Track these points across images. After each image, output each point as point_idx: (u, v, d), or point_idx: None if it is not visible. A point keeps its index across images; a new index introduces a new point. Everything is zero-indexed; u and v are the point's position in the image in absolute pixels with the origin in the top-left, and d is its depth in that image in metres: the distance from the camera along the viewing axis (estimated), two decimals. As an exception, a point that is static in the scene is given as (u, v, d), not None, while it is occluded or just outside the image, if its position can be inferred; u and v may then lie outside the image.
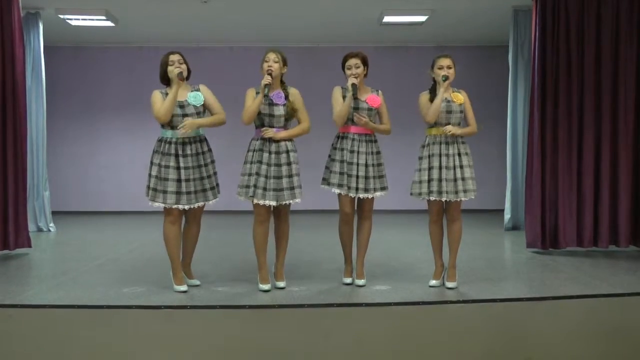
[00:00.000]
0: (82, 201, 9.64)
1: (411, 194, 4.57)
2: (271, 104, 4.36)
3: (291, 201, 4.39)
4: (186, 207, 4.32)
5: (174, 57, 4.33)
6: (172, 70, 4.29)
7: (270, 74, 4.31)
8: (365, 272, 4.69)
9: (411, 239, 6.96)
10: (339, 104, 4.48)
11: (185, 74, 4.31)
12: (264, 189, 4.31)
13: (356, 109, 4.51)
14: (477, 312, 4.09)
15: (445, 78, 4.42)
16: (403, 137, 9.06)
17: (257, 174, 4.32)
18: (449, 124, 4.47)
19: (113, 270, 5.22)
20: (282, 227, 4.54)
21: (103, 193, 9.64)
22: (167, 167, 4.29)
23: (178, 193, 4.29)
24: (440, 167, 4.45)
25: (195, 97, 4.36)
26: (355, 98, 4.43)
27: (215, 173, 4.51)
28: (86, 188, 9.64)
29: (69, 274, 5.06)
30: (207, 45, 9.43)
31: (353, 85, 4.41)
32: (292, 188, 4.39)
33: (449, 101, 4.48)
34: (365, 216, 4.64)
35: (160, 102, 4.28)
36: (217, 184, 4.53)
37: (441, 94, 4.42)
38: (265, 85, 4.27)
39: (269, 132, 4.34)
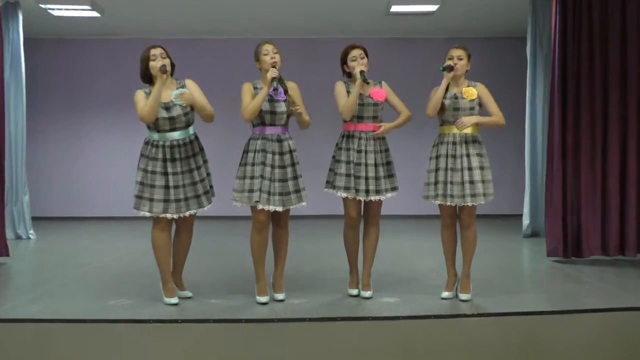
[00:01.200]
0: (65, 206, 9.64)
1: (423, 197, 4.57)
2: (272, 100, 4.34)
3: (298, 205, 4.40)
4: (174, 216, 4.30)
5: (155, 51, 4.29)
6: (154, 65, 4.26)
7: (275, 67, 4.30)
8: (372, 282, 4.67)
9: (422, 246, 6.94)
10: (344, 98, 4.47)
11: (168, 67, 4.28)
12: (269, 193, 4.30)
13: (361, 105, 4.49)
14: (493, 327, 4.08)
15: (447, 67, 4.40)
16: (411, 136, 9.05)
17: (262, 177, 4.30)
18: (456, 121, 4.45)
19: (98, 281, 5.20)
20: (282, 234, 4.53)
21: (88, 197, 9.64)
22: (153, 172, 4.27)
23: (166, 201, 4.27)
24: (446, 169, 4.44)
25: (182, 94, 4.32)
26: (366, 82, 4.41)
27: (209, 174, 4.49)
28: (69, 192, 9.64)
29: (50, 285, 5.04)
30: (200, 37, 9.43)
31: (362, 72, 4.42)
32: (297, 191, 4.39)
33: (457, 97, 4.46)
34: (372, 221, 4.62)
35: (143, 101, 4.25)
36: (212, 186, 4.51)
37: (443, 85, 4.42)
38: (273, 78, 4.25)
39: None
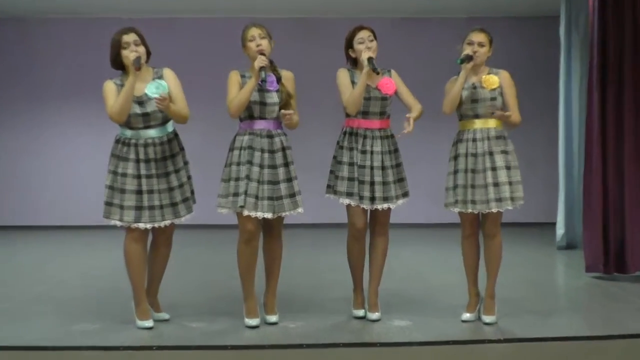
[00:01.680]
0: (21, 213, 9.64)
1: (444, 205, 4.57)
2: (262, 89, 4.34)
3: (292, 212, 4.38)
4: (148, 225, 4.29)
5: (128, 38, 4.25)
6: (127, 56, 4.23)
7: (263, 54, 4.29)
8: (380, 302, 4.66)
9: (438, 260, 6.94)
10: (349, 89, 4.45)
11: (144, 59, 4.26)
12: (256, 197, 4.28)
13: (367, 98, 4.47)
14: (523, 354, 4.06)
15: (465, 58, 4.39)
16: (425, 133, 9.02)
17: (249, 178, 4.29)
18: (476, 116, 4.45)
19: (60, 301, 5.18)
20: (274, 245, 4.51)
21: (49, 203, 9.63)
22: (124, 175, 4.26)
23: (138, 208, 4.26)
24: (466, 171, 4.44)
25: (158, 87, 4.27)
26: (375, 72, 4.39)
27: (189, 178, 4.48)
28: (27, 196, 9.64)
29: (2, 307, 5.02)
30: (180, 16, 9.44)
31: (370, 58, 4.40)
32: (292, 195, 4.37)
33: (475, 87, 4.45)
34: (380, 231, 4.61)
35: (113, 96, 4.23)
36: (192, 192, 4.50)
37: (462, 77, 4.42)
38: (261, 68, 4.24)
39: (291, 115, 4.27)
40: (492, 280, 4.52)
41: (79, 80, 9.50)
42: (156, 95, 4.20)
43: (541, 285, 5.75)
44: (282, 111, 4.32)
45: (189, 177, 4.48)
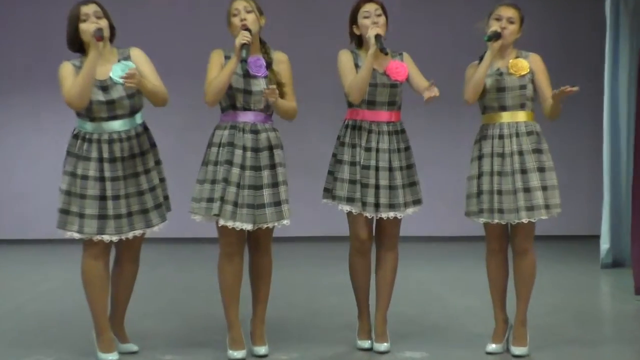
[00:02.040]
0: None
1: (465, 213, 4.57)
2: (247, 75, 4.34)
3: (276, 223, 4.37)
4: (114, 238, 4.28)
5: (87, 9, 4.25)
6: (86, 28, 4.23)
7: (248, 29, 4.30)
8: (389, 331, 4.65)
9: (458, 280, 6.94)
10: (352, 73, 4.46)
11: (106, 32, 4.26)
12: (235, 204, 4.28)
13: (373, 85, 4.48)
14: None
15: (493, 35, 4.37)
16: (443, 129, 9.06)
17: (226, 181, 4.29)
18: (503, 107, 4.44)
19: (8, 330, 5.18)
20: (262, 263, 4.51)
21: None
22: (84, 177, 4.25)
23: (102, 217, 4.24)
24: (491, 174, 4.44)
25: (124, 69, 4.26)
26: (383, 52, 4.37)
27: (162, 180, 4.48)
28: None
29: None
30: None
31: (377, 36, 4.38)
32: (277, 203, 4.36)
33: (501, 73, 4.46)
34: (388, 245, 4.61)
35: (71, 78, 4.23)
36: (166, 197, 4.49)
37: (487, 59, 4.41)
38: (243, 44, 4.24)
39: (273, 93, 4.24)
40: (524, 304, 4.51)
41: (28, 69, 9.51)
42: (121, 81, 4.20)
43: (582, 311, 5.74)
44: (266, 90, 4.27)
45: (161, 180, 4.47)
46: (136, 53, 4.41)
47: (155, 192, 4.41)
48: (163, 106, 4.41)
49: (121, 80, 4.22)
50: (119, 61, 4.34)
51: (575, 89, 4.30)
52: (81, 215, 4.24)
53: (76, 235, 4.27)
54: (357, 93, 4.44)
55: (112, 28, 4.35)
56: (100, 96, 4.26)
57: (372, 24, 4.45)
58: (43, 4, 9.42)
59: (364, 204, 4.46)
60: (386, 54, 4.44)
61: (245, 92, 4.36)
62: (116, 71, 4.28)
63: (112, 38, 4.37)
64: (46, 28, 9.40)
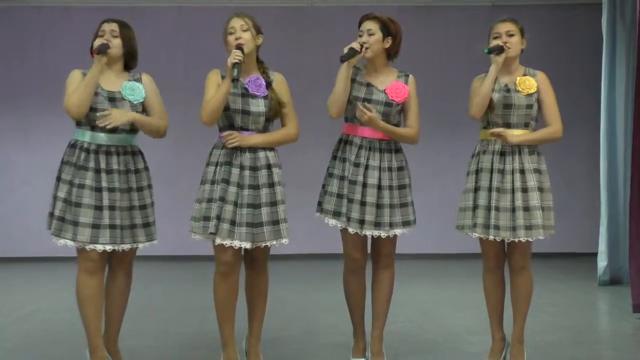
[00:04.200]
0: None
1: (456, 226, 4.57)
2: (246, 94, 4.36)
3: (274, 242, 4.38)
4: (107, 247, 4.28)
5: (106, 26, 4.37)
6: (96, 43, 4.31)
7: (240, 48, 4.32)
8: (385, 349, 4.65)
9: (455, 298, 6.93)
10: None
11: (115, 52, 4.33)
12: (232, 222, 4.30)
13: (368, 100, 4.50)
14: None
15: (495, 49, 4.40)
16: (438, 142, 9.06)
17: (223, 200, 4.31)
18: (508, 124, 4.46)
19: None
20: (258, 281, 4.52)
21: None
22: (81, 186, 4.27)
23: (96, 226, 4.26)
24: (490, 189, 4.45)
25: (134, 89, 4.35)
26: (341, 60, 4.38)
27: (152, 204, 4.49)
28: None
29: None
30: (145, 4, 9.44)
31: (350, 49, 4.40)
32: (275, 222, 4.37)
33: (509, 90, 4.48)
34: (384, 263, 4.62)
35: (75, 85, 4.30)
36: (153, 222, 4.49)
37: (492, 73, 4.43)
38: (235, 64, 4.27)
39: (234, 137, 4.32)
40: (521, 322, 4.52)
41: (16, 82, 9.48)
42: (131, 99, 4.30)
43: (580, 329, 5.73)
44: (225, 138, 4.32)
45: (152, 204, 4.47)
46: (147, 79, 4.48)
47: (146, 211, 4.42)
48: (159, 138, 4.48)
49: (130, 98, 4.30)
50: (128, 81, 4.41)
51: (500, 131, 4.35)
52: (75, 224, 4.24)
53: (70, 243, 4.25)
54: (333, 105, 4.49)
55: (130, 54, 4.42)
56: (106, 105, 4.31)
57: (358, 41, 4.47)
58: (25, 18, 9.38)
59: (348, 219, 4.47)
60: (342, 61, 4.42)
61: (243, 112, 4.37)
62: (125, 89, 4.36)
63: (130, 63, 4.45)
64: (32, 37, 9.38)
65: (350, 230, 4.47)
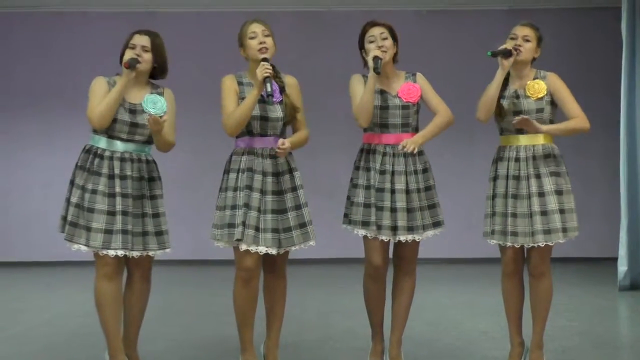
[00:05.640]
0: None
1: (482, 233, 4.59)
2: (263, 100, 4.37)
3: (303, 245, 4.42)
4: (119, 252, 4.30)
5: (138, 39, 4.38)
6: (126, 56, 4.34)
7: (267, 60, 4.31)
8: (403, 353, 4.66)
9: (474, 302, 6.93)
10: (359, 96, 4.49)
11: (144, 67, 4.36)
12: (257, 228, 4.31)
13: (384, 108, 4.51)
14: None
15: (500, 52, 4.38)
16: (457, 146, 9.06)
17: (247, 206, 4.33)
18: (520, 131, 4.46)
19: (16, 354, 5.18)
20: (277, 285, 4.53)
21: (3, 235, 9.66)
22: (94, 191, 4.30)
23: (108, 232, 4.28)
24: (506, 196, 4.46)
25: (155, 102, 4.38)
26: (376, 72, 4.38)
27: (164, 213, 4.51)
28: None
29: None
30: (163, 10, 9.48)
31: (375, 58, 4.39)
32: (302, 225, 4.40)
33: (518, 96, 4.48)
34: (406, 269, 4.63)
35: (100, 95, 4.33)
36: (166, 231, 4.50)
37: (498, 76, 4.44)
38: (266, 78, 4.23)
39: (287, 146, 4.30)
40: (540, 327, 4.52)
41: (37, 87, 9.57)
42: (152, 112, 4.31)
43: (599, 334, 5.72)
44: (276, 149, 4.32)
45: (163, 214, 4.49)
46: (169, 93, 4.51)
47: (159, 219, 4.44)
48: (165, 152, 4.51)
49: (151, 111, 4.32)
50: (151, 93, 4.43)
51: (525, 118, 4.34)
52: (88, 229, 4.27)
53: (83, 248, 4.28)
54: (362, 116, 4.46)
55: (161, 67, 4.45)
56: (126, 117, 4.34)
57: (375, 47, 4.45)
58: (48, 25, 9.45)
59: (379, 227, 4.46)
60: (378, 73, 4.41)
61: (262, 119, 4.39)
62: (147, 102, 4.38)
63: (157, 75, 4.48)
64: (51, 44, 9.44)
65: (384, 238, 4.46)
